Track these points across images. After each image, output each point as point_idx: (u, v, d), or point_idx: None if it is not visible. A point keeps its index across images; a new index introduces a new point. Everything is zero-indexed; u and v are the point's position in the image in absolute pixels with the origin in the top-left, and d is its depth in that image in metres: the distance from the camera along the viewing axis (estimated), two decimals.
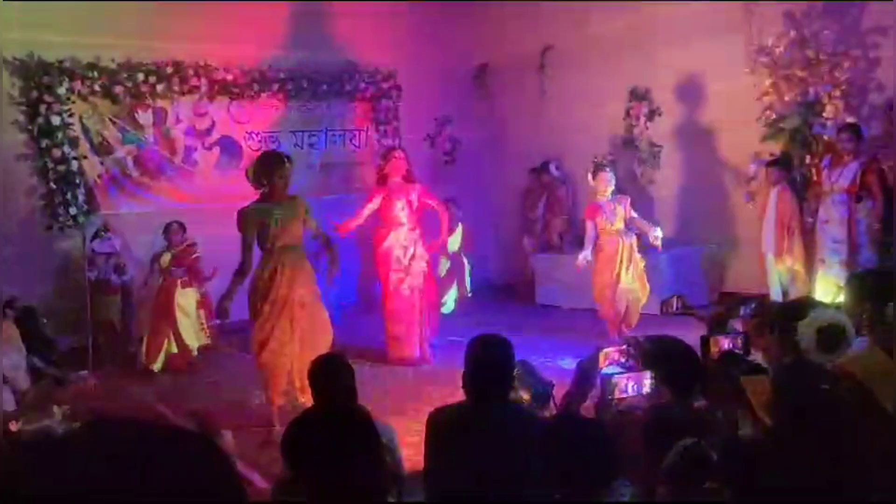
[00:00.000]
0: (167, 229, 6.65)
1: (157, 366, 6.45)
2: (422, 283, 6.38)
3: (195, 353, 6.65)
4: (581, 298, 7.73)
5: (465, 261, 7.63)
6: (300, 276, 4.82)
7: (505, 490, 2.56)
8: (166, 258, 6.60)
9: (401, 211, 6.27)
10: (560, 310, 8.17)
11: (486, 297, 9.08)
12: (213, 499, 0.66)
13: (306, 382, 3.58)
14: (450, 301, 7.68)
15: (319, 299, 4.98)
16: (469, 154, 9.36)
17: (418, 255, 6.36)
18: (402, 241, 6.27)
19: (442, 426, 2.78)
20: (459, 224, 7.25)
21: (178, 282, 6.60)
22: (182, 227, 6.68)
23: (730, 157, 7.50)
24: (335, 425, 1.74)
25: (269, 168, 4.85)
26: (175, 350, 6.55)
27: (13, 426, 4.49)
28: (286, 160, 4.90)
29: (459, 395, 2.90)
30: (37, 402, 4.86)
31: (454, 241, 7.68)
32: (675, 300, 7.47)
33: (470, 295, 7.71)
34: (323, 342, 4.79)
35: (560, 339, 6.79)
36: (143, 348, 6.50)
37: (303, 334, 4.80)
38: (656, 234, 6.32)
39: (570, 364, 5.62)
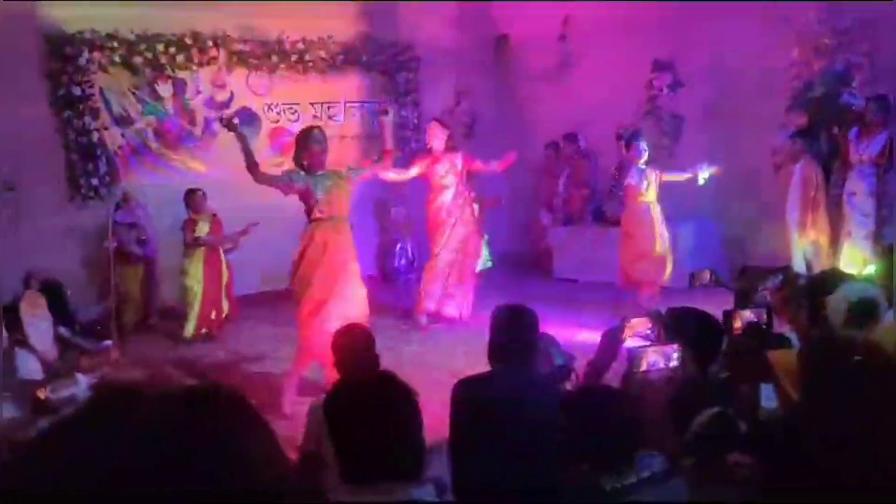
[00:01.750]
0: (192, 197, 6.61)
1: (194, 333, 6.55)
2: (458, 248, 6.69)
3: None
4: (599, 272, 7.70)
5: (484, 233, 7.61)
6: (345, 249, 4.85)
7: (530, 460, 2.57)
8: (204, 227, 6.59)
9: (445, 176, 6.59)
10: (577, 283, 8.15)
11: (502, 271, 9.06)
12: (249, 452, 0.64)
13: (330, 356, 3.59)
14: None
15: (359, 274, 5.03)
16: (488, 127, 9.28)
17: (464, 219, 6.72)
18: (447, 205, 6.64)
19: (467, 396, 2.79)
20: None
21: (220, 249, 6.65)
22: (201, 192, 6.70)
23: (755, 129, 7.36)
24: (383, 392, 1.73)
25: (299, 144, 4.87)
26: (213, 317, 6.64)
27: (41, 394, 4.57)
28: (314, 132, 4.90)
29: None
30: (63, 371, 4.92)
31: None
32: (707, 273, 7.31)
33: (491, 265, 7.73)
34: (360, 316, 4.81)
35: (578, 312, 6.78)
36: (194, 318, 6.52)
37: (341, 307, 4.82)
38: (702, 176, 6.44)
39: (589, 337, 5.63)
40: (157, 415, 0.64)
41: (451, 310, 6.74)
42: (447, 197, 6.62)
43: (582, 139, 8.63)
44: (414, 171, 6.56)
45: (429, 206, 6.71)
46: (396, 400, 1.75)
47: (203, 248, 6.57)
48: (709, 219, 7.82)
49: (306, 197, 4.82)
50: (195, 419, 0.64)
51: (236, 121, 4.82)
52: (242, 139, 4.74)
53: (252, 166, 4.70)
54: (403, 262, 8.84)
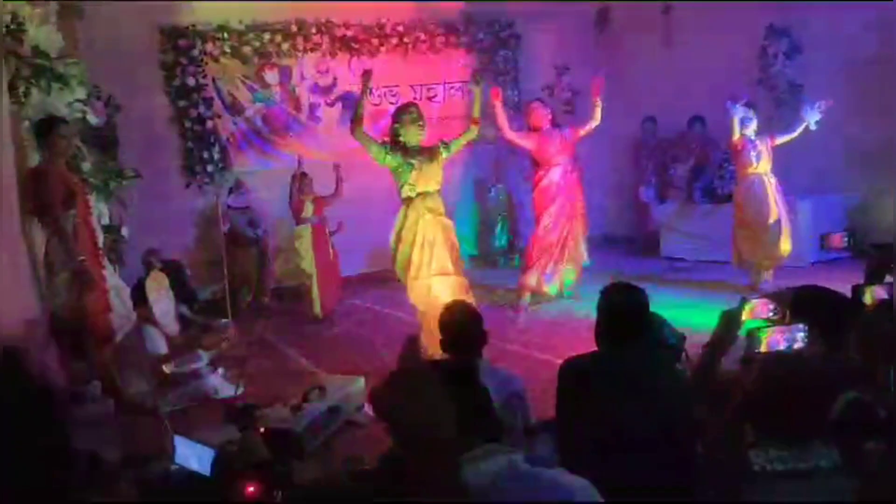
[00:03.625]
0: (302, 179, 6.79)
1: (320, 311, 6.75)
2: (569, 223, 6.56)
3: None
4: (709, 250, 7.42)
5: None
6: (442, 222, 4.91)
7: (640, 439, 2.49)
8: (310, 207, 6.79)
9: (555, 154, 6.46)
10: (686, 262, 7.88)
11: (606, 249, 8.87)
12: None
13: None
14: None
15: (458, 250, 5.05)
16: (589, 103, 9.04)
17: (573, 197, 6.58)
18: (555, 182, 6.49)
19: (576, 375, 2.73)
20: None
21: (326, 229, 6.85)
22: (309, 176, 6.86)
23: (881, 94, 6.83)
24: (418, 382, 1.70)
25: (395, 121, 4.93)
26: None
27: (167, 368, 4.86)
28: (408, 109, 4.94)
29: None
30: (185, 347, 5.21)
31: None
32: (839, 236, 6.66)
33: (589, 263, 7.56)
34: (461, 291, 4.83)
35: (687, 291, 6.57)
36: (317, 298, 6.70)
37: (444, 282, 4.87)
38: (812, 119, 6.19)
39: (700, 317, 5.42)
40: None
41: (552, 288, 6.60)
42: (555, 175, 6.49)
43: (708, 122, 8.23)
44: (528, 143, 6.50)
45: (536, 184, 6.58)
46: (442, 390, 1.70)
47: (311, 229, 6.75)
48: (832, 192, 7.35)
49: (398, 174, 4.87)
50: None
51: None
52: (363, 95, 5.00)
53: (354, 120, 4.89)
54: (504, 242, 8.80)
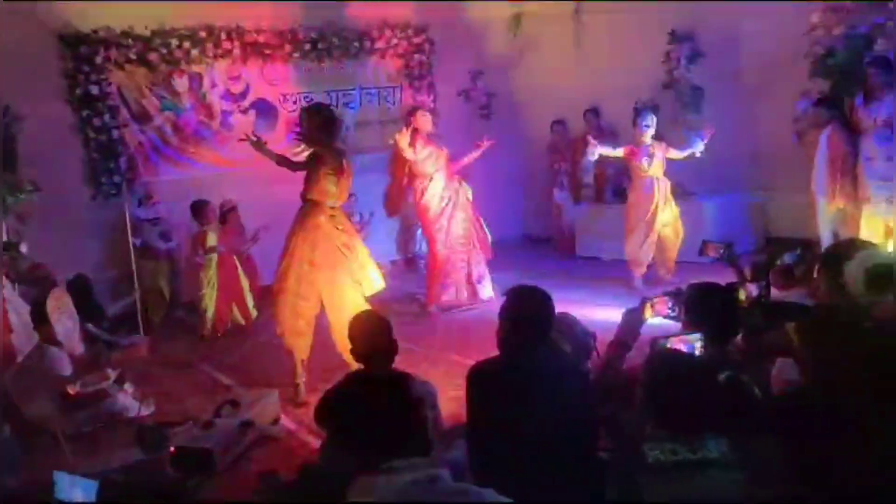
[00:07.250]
0: (199, 210, 6.64)
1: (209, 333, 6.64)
2: (465, 233, 6.69)
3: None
4: (622, 249, 7.64)
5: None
6: (319, 235, 4.76)
7: (548, 441, 2.55)
8: (213, 238, 6.65)
9: (435, 161, 6.52)
10: (601, 261, 8.10)
11: (524, 251, 9.04)
12: None
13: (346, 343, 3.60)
14: None
15: (346, 254, 4.84)
16: (505, 107, 9.21)
17: (460, 203, 6.67)
18: (440, 192, 6.56)
19: (482, 380, 2.77)
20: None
21: (234, 256, 6.73)
22: (210, 204, 6.73)
23: (776, 97, 7.20)
24: (366, 392, 1.73)
25: (324, 123, 4.83)
26: (241, 321, 6.75)
27: (71, 390, 4.66)
28: (312, 111, 4.87)
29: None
30: (92, 366, 5.00)
31: None
32: (719, 247, 7.03)
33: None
34: (351, 300, 4.76)
35: (601, 290, 6.76)
36: (209, 322, 6.61)
37: (328, 296, 4.79)
38: (698, 149, 6.49)
39: (611, 315, 5.59)
40: None
41: (487, 291, 6.77)
42: (438, 184, 6.54)
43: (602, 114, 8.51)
44: (421, 154, 6.42)
45: (420, 196, 6.57)
46: (384, 400, 1.74)
47: (216, 260, 6.66)
48: (732, 191, 7.69)
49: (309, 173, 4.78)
50: None
51: (254, 137, 4.88)
52: (260, 147, 4.82)
53: (282, 163, 4.81)
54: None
